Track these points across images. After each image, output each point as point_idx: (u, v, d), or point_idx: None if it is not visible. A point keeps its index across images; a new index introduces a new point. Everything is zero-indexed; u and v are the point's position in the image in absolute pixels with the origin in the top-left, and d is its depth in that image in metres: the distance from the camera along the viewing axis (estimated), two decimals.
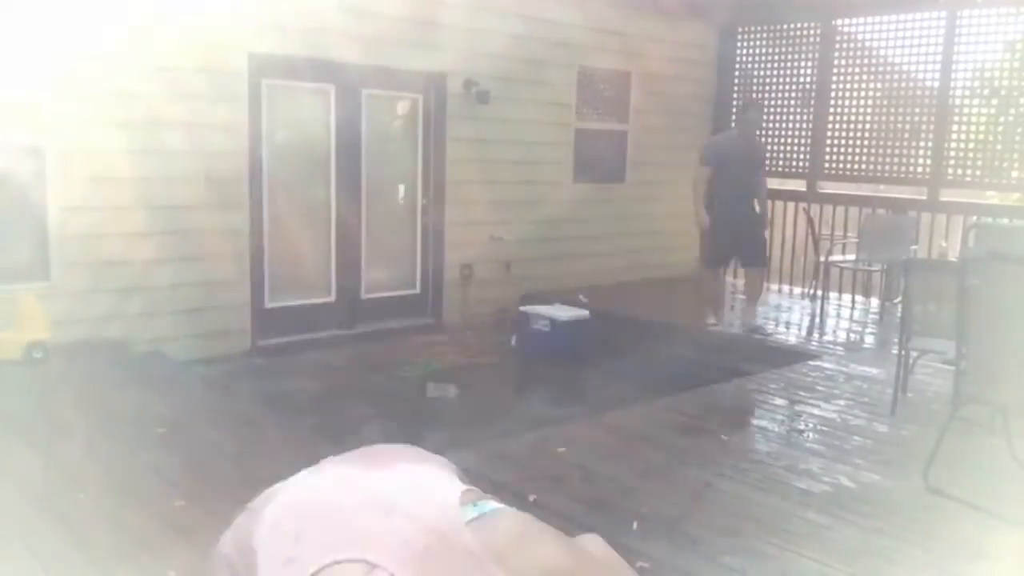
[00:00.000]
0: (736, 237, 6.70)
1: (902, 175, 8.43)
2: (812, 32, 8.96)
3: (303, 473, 1.42)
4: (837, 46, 8.88)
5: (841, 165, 8.80)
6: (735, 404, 4.99)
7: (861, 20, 8.70)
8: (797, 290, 8.84)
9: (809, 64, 9.05)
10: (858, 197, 8.87)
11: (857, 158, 8.72)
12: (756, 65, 9.50)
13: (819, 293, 7.92)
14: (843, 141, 8.80)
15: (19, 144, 5.32)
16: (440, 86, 7.21)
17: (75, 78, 5.35)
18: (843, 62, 8.87)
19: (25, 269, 5.39)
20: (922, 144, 8.25)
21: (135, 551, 2.97)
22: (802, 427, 4.64)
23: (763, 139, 9.42)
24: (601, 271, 8.41)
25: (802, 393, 5.22)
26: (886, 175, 8.58)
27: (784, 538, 3.23)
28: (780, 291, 8.94)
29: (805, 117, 9.10)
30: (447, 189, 7.30)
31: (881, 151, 8.56)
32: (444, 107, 7.23)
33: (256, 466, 3.80)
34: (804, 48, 9.09)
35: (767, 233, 7.28)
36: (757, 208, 6.90)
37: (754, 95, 9.42)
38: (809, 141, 9.01)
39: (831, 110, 8.87)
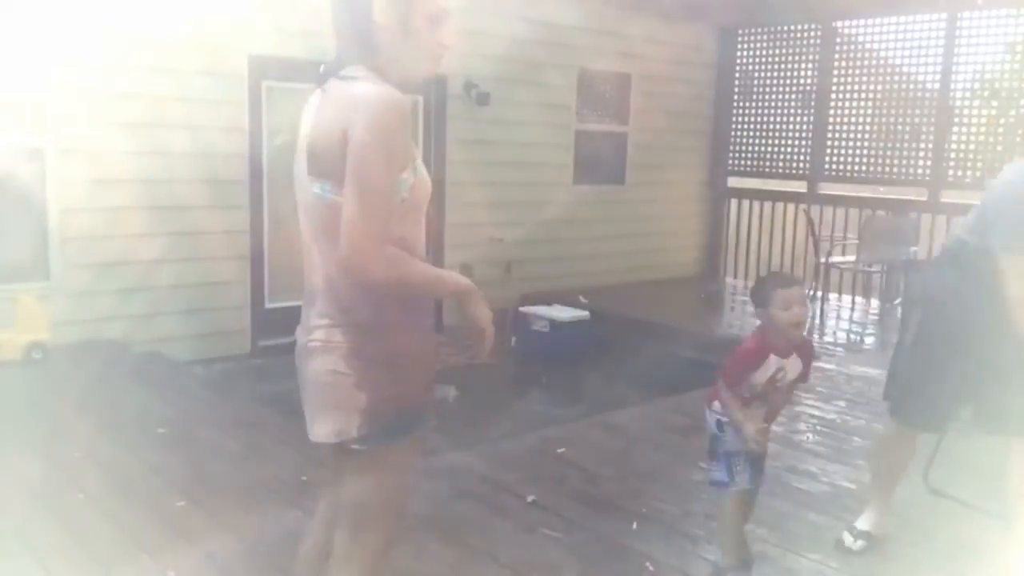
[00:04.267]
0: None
1: (902, 177, 8.43)
2: (812, 34, 8.97)
3: None
4: (837, 48, 8.88)
5: (841, 167, 8.81)
6: None
7: (861, 22, 8.71)
8: None
9: (809, 66, 9.06)
10: (858, 198, 8.87)
11: (857, 160, 8.72)
12: (756, 67, 9.51)
13: (819, 294, 7.92)
14: (843, 143, 8.80)
15: (20, 144, 5.32)
16: (440, 88, 7.21)
17: (76, 79, 5.36)
18: (843, 64, 8.88)
19: (25, 269, 5.40)
20: (922, 146, 8.25)
21: (135, 551, 2.97)
22: (802, 428, 4.64)
23: (763, 141, 9.44)
24: (601, 272, 8.41)
25: (802, 394, 5.21)
26: (886, 177, 8.58)
27: (784, 538, 3.23)
28: None
29: (805, 119, 9.10)
30: (447, 190, 7.31)
31: (881, 153, 8.56)
32: (444, 109, 7.24)
33: (256, 467, 3.81)
34: (804, 50, 9.10)
35: None
36: None
37: (754, 97, 9.43)
38: (809, 143, 9.01)
39: (831, 112, 8.88)
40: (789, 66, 9.21)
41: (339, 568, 1.92)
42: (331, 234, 1.75)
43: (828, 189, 8.96)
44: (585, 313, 6.96)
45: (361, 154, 1.69)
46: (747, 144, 9.51)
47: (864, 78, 8.80)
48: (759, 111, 9.42)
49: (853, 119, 8.79)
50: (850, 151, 8.76)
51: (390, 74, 1.81)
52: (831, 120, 8.89)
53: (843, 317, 7.92)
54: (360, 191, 1.69)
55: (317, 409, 1.86)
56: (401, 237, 1.78)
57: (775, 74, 9.31)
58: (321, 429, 1.85)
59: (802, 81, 9.13)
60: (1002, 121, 8.10)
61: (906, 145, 8.37)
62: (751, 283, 9.26)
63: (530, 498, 3.55)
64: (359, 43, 1.82)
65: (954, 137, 8.06)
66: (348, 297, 1.81)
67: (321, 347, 1.83)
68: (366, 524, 1.93)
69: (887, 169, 8.51)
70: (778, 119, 9.28)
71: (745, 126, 9.53)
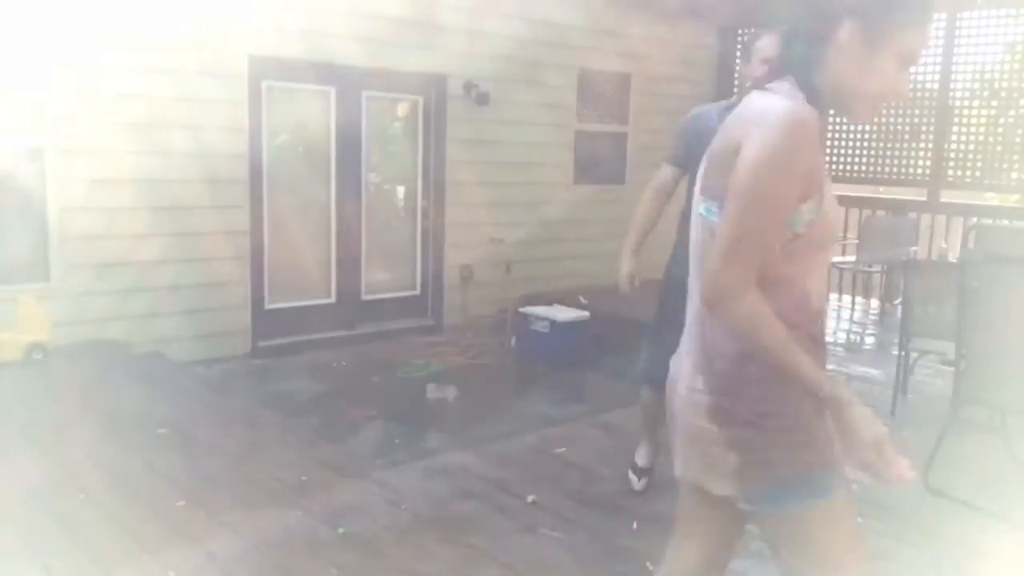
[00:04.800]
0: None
1: (902, 176, 8.43)
2: None
3: None
4: None
5: (841, 166, 8.80)
6: None
7: None
8: None
9: None
10: (858, 198, 8.86)
11: (857, 159, 8.72)
12: None
13: None
14: (843, 142, 8.80)
15: (20, 144, 5.32)
16: (440, 88, 7.21)
17: (76, 79, 5.36)
18: None
19: (25, 270, 5.40)
20: (922, 145, 8.25)
21: (135, 551, 2.97)
22: None
23: None
24: (601, 273, 8.37)
25: None
26: (886, 176, 8.58)
27: None
28: None
29: None
30: (447, 190, 7.30)
31: (881, 152, 8.56)
32: (444, 109, 7.24)
33: (256, 466, 3.81)
34: None
35: None
36: None
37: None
38: None
39: (831, 112, 8.84)
40: None
41: None
42: (703, 261, 1.59)
43: None
44: (585, 313, 6.96)
45: (748, 173, 1.47)
46: None
47: None
48: None
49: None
50: (850, 151, 8.76)
51: (824, 98, 1.60)
52: (831, 120, 8.87)
53: (843, 317, 7.92)
54: (738, 216, 1.48)
55: (687, 453, 1.71)
56: (784, 277, 1.54)
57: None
58: (694, 474, 1.71)
59: None
60: (1002, 121, 8.10)
61: (906, 145, 8.37)
62: None
63: (530, 498, 3.55)
64: (806, 56, 1.58)
65: (954, 137, 8.06)
66: (711, 337, 1.62)
67: (686, 393, 1.68)
68: None
69: (887, 169, 8.51)
70: None
71: None
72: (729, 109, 3.58)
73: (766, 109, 1.52)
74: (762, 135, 1.48)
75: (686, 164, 3.43)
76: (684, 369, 1.70)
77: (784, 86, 1.58)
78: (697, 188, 1.66)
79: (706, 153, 1.63)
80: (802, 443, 1.58)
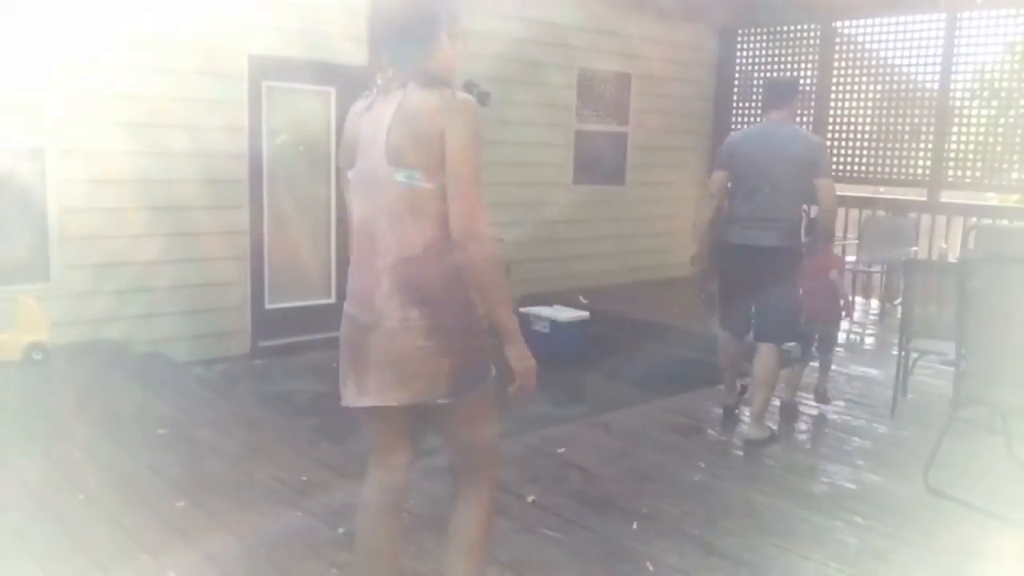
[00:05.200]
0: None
1: (902, 176, 8.43)
2: (812, 34, 8.97)
3: None
4: (837, 48, 8.88)
5: (841, 167, 8.80)
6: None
7: (861, 22, 8.71)
8: None
9: (809, 66, 9.06)
10: (858, 199, 8.86)
11: (857, 160, 8.72)
12: (756, 67, 9.51)
13: None
14: (843, 143, 8.81)
15: (20, 144, 5.32)
16: None
17: (76, 79, 5.36)
18: (843, 64, 8.88)
19: (25, 270, 5.40)
20: (922, 146, 8.25)
21: (134, 551, 2.97)
22: (802, 428, 4.64)
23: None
24: (601, 273, 8.40)
25: (802, 394, 5.22)
26: (886, 176, 8.58)
27: (784, 538, 3.23)
28: None
29: (805, 119, 9.09)
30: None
31: (881, 153, 8.56)
32: None
33: (256, 467, 3.81)
34: (804, 50, 9.10)
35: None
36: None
37: (754, 97, 9.41)
38: None
39: (831, 112, 8.88)
40: (789, 66, 9.21)
41: (468, 506, 2.40)
42: (417, 216, 2.09)
43: None
44: (585, 313, 6.96)
45: (466, 148, 2.12)
46: None
47: (864, 78, 8.80)
48: (759, 111, 9.41)
49: (853, 119, 8.79)
50: (850, 151, 8.76)
51: (442, 75, 2.19)
52: (831, 120, 8.89)
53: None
54: (472, 180, 2.16)
55: (397, 378, 2.17)
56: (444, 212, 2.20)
57: (775, 74, 9.30)
58: (403, 394, 2.18)
59: (802, 81, 9.12)
60: (1002, 121, 8.10)
61: (906, 145, 8.37)
62: None
63: (530, 498, 3.55)
64: (422, 50, 2.15)
65: (954, 137, 8.06)
66: (423, 276, 2.10)
67: (399, 327, 2.11)
68: (485, 461, 2.44)
69: (887, 169, 8.51)
70: None
71: (745, 126, 9.52)
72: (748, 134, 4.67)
73: (454, 99, 2.12)
74: (464, 120, 2.13)
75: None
76: (390, 312, 2.13)
77: (426, 79, 2.14)
78: (383, 160, 2.09)
79: (386, 137, 2.09)
80: (481, 345, 2.23)
